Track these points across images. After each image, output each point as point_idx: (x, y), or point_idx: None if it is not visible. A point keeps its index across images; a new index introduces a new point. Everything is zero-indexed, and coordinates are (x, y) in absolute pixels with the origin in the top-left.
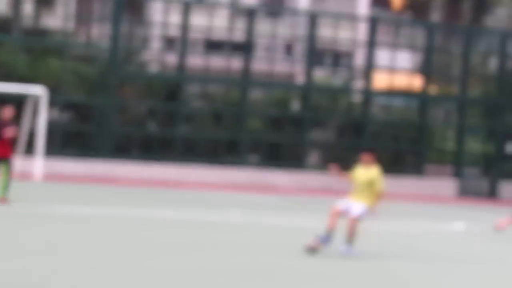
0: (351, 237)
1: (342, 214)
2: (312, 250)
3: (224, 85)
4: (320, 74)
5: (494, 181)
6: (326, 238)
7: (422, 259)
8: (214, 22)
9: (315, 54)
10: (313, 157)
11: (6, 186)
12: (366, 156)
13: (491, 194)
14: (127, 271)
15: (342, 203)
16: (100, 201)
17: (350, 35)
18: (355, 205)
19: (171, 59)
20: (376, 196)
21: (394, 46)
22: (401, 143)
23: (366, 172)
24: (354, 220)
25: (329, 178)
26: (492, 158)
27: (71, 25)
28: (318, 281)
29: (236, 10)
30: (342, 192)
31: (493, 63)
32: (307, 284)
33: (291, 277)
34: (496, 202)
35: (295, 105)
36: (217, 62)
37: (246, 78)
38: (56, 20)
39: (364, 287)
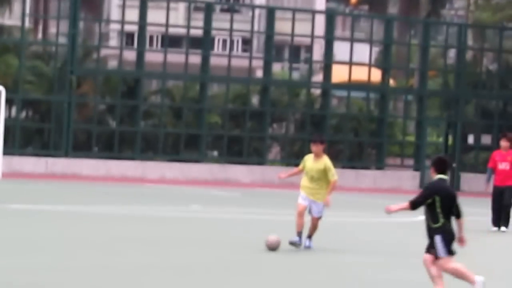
0: (313, 233)
1: (305, 210)
2: (293, 245)
3: (183, 81)
4: (279, 69)
5: (454, 173)
6: (299, 238)
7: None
8: (172, 17)
9: (274, 49)
10: (274, 151)
11: None
12: (316, 147)
13: (452, 186)
14: (87, 267)
15: (303, 201)
16: (60, 199)
17: (308, 29)
18: (315, 205)
19: (130, 55)
20: (329, 185)
21: (352, 39)
22: (361, 136)
23: (317, 163)
24: (316, 219)
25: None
26: (453, 150)
27: (28, 23)
28: (270, 274)
29: (193, 6)
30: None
31: (451, 55)
32: (263, 276)
33: (252, 270)
34: (467, 194)
35: (254, 100)
36: (176, 57)
37: (204, 73)
38: (12, 18)
39: (322, 279)
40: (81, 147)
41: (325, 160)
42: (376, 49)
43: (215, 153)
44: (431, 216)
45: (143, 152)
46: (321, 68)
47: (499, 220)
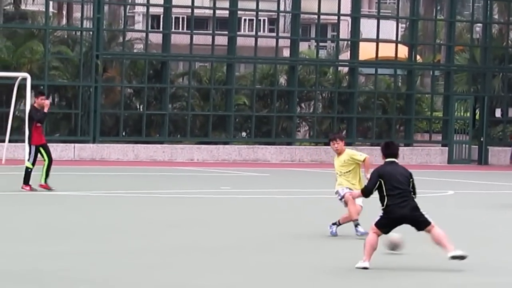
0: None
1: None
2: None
3: (210, 62)
4: (306, 48)
5: (483, 147)
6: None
7: None
8: None
9: (300, 28)
10: (302, 130)
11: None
12: (335, 144)
13: (481, 160)
14: (119, 251)
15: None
16: (89, 184)
17: (334, 7)
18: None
19: (155, 38)
20: (365, 167)
21: (378, 16)
22: (389, 113)
23: (340, 158)
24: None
25: (320, 151)
26: (480, 124)
27: (52, 8)
28: (299, 253)
29: None
30: (332, 165)
31: (477, 30)
32: (293, 256)
33: (282, 250)
34: (486, 168)
35: (282, 80)
36: (202, 39)
37: (231, 54)
38: (36, 3)
39: None
40: (109, 132)
41: (347, 151)
42: (402, 26)
43: (244, 134)
44: (380, 198)
45: (171, 135)
46: (348, 46)
47: None
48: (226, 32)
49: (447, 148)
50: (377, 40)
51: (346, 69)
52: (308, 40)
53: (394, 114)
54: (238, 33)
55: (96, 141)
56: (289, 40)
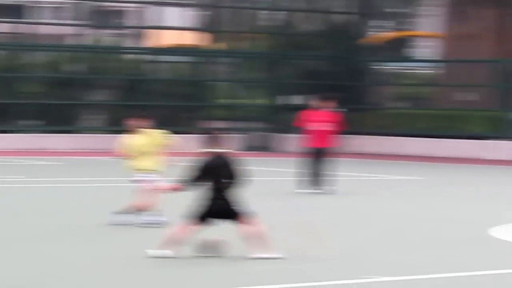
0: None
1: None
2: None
3: None
4: (94, 35)
5: (275, 133)
6: (153, 216)
7: None
8: None
9: (87, 15)
10: (93, 118)
11: None
12: (136, 121)
13: (273, 147)
14: None
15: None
16: None
17: None
18: (150, 176)
19: None
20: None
21: (178, 4)
22: (185, 100)
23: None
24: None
25: (109, 139)
26: (275, 111)
27: None
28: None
29: None
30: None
31: (267, 17)
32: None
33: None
34: (278, 154)
35: (70, 67)
36: None
37: (15, 41)
38: None
39: None
40: None
41: (150, 131)
42: (192, 13)
43: (33, 122)
44: (199, 189)
45: None
46: (138, 33)
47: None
48: (10, 19)
49: (241, 135)
50: (167, 28)
51: (136, 57)
52: (97, 27)
53: (185, 101)
54: (23, 19)
55: None
56: (76, 28)
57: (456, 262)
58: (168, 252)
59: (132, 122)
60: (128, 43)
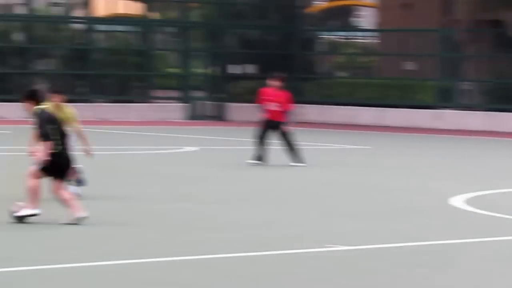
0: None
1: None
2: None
3: None
4: (41, 4)
5: (220, 103)
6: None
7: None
8: None
9: None
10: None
11: None
12: (54, 96)
13: (219, 116)
14: None
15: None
16: None
17: None
18: None
19: None
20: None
21: None
22: (126, 70)
23: (59, 112)
24: None
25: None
26: (217, 80)
27: None
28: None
29: None
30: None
31: None
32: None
33: None
34: (224, 124)
35: (17, 36)
36: None
37: None
38: None
39: None
40: None
41: (69, 108)
42: None
43: None
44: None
45: None
46: (83, 2)
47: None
48: None
49: (186, 104)
50: None
51: (82, 26)
52: None
53: (131, 71)
54: None
55: None
56: None
57: (413, 232)
58: (37, 210)
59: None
60: (70, 12)
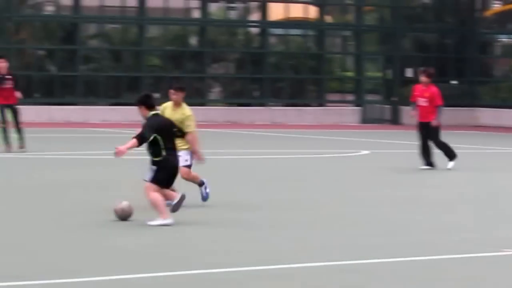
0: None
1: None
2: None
3: (121, 24)
4: (216, 8)
5: (394, 106)
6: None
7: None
8: None
9: None
10: (215, 91)
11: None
12: (176, 95)
13: (393, 120)
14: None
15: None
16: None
17: None
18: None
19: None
20: (190, 139)
21: None
22: (300, 73)
23: (176, 112)
24: (187, 170)
25: (233, 112)
26: (391, 84)
27: None
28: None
29: None
30: (245, 125)
31: None
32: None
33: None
34: (398, 127)
35: (193, 41)
36: (112, 0)
37: (142, 16)
38: None
39: None
40: (23, 94)
41: (185, 110)
42: None
43: (157, 95)
44: (153, 151)
45: (84, 97)
46: (258, 6)
47: (425, 157)
48: None
49: (359, 108)
50: (287, 1)
51: (256, 30)
52: (218, 1)
53: (306, 74)
54: None
55: None
56: (199, 1)
57: None
58: (170, 220)
59: (174, 96)
60: (245, 16)
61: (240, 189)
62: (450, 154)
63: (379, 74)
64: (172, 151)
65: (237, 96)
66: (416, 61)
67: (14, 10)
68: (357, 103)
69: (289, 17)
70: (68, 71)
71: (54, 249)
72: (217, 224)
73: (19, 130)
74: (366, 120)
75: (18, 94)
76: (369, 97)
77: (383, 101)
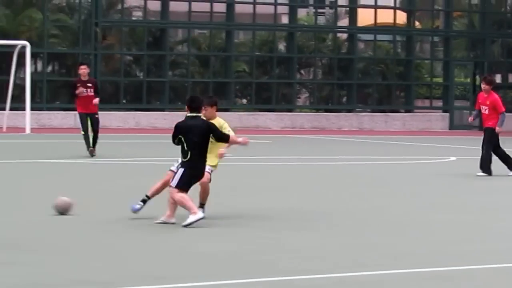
0: (205, 199)
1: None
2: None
3: (208, 29)
4: (304, 14)
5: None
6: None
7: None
8: None
9: None
10: (302, 97)
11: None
12: (205, 110)
13: (482, 126)
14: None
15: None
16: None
17: None
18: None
19: (154, 5)
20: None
21: None
22: (388, 79)
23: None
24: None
25: (320, 118)
26: (480, 90)
27: None
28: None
29: None
30: (332, 131)
31: None
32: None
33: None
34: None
35: (281, 46)
36: (200, 6)
37: (230, 21)
38: None
39: None
40: (109, 100)
41: (218, 121)
42: None
43: (244, 101)
44: (181, 151)
45: (171, 103)
46: (347, 12)
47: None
48: None
49: (448, 114)
50: (376, 6)
51: (344, 36)
52: (306, 6)
53: (394, 80)
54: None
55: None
56: (287, 7)
57: None
58: (200, 213)
59: (205, 113)
60: (333, 22)
61: (326, 195)
62: (509, 162)
63: (467, 80)
64: (200, 156)
65: (325, 102)
66: (505, 67)
67: (101, 15)
68: (445, 109)
69: (377, 23)
70: (155, 76)
71: (140, 254)
72: (305, 229)
73: (94, 136)
74: (455, 126)
75: (95, 100)
76: (458, 103)
77: (471, 107)
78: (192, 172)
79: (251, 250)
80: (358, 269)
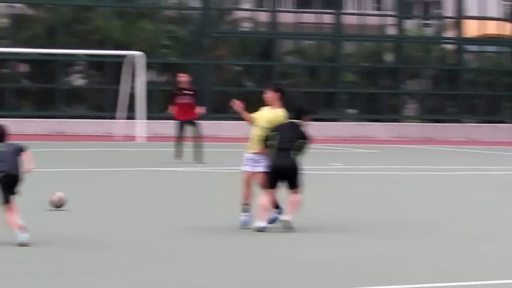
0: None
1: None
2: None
3: (316, 40)
4: (411, 25)
5: None
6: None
7: None
8: None
9: (405, 5)
10: (410, 107)
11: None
12: (269, 95)
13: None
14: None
15: (247, 166)
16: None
17: None
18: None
19: (263, 16)
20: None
21: None
22: (496, 90)
23: (271, 113)
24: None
25: (428, 128)
26: None
27: None
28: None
29: None
30: (441, 141)
31: None
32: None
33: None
34: None
35: (388, 57)
36: (308, 17)
37: (338, 32)
38: None
39: None
40: (220, 109)
41: (281, 112)
42: (506, 2)
43: (354, 111)
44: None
45: None
46: (454, 23)
47: None
48: (333, 10)
49: None
50: (482, 18)
51: (452, 47)
52: (413, 18)
53: (501, 91)
54: (344, 11)
55: (208, 118)
56: (394, 18)
57: None
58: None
59: (268, 96)
60: (440, 33)
61: (424, 204)
62: None
63: None
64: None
65: (432, 112)
66: None
67: (212, 26)
68: None
69: (484, 34)
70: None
71: (250, 263)
72: (408, 239)
73: (198, 145)
74: None
75: (200, 110)
76: None
77: None
78: (270, 170)
79: (358, 259)
80: (470, 279)
